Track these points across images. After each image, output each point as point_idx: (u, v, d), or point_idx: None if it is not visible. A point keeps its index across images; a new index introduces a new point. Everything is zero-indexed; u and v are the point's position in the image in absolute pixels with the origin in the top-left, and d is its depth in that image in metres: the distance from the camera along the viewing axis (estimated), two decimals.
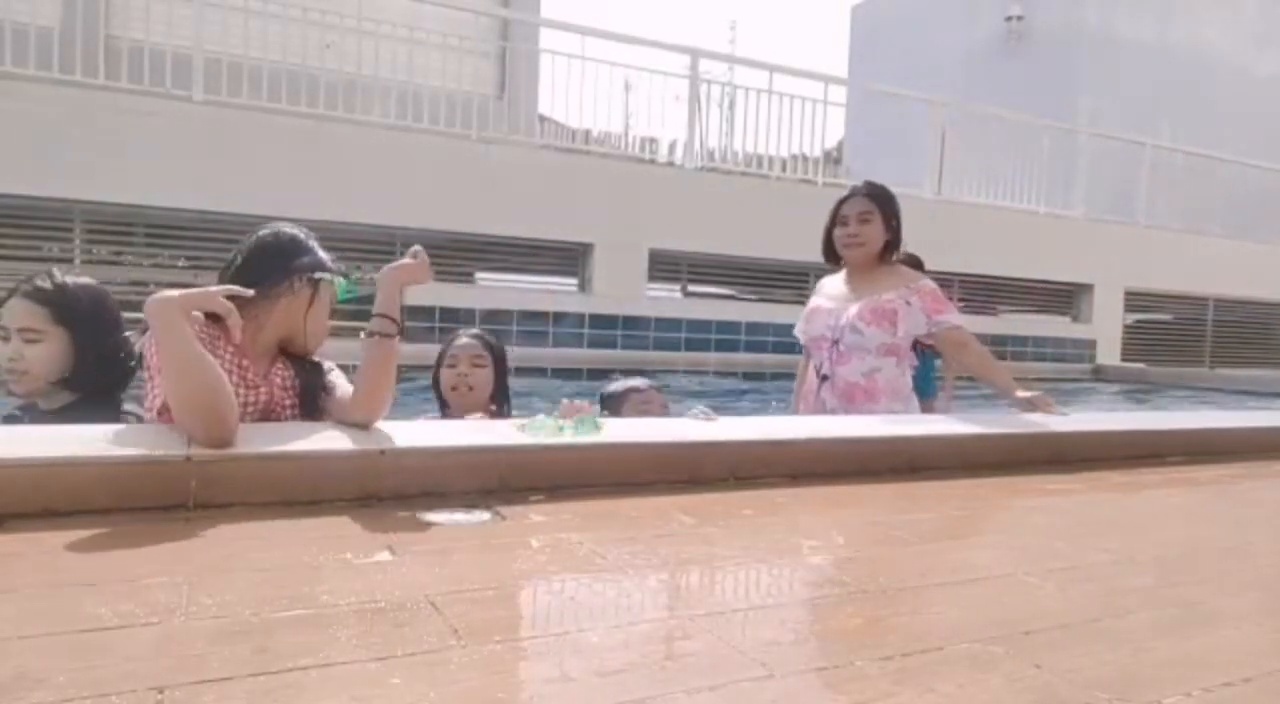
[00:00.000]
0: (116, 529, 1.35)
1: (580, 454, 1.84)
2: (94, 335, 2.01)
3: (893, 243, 2.97)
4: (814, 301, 3.09)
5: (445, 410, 2.80)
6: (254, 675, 0.87)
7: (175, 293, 1.70)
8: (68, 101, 5.85)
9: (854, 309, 2.87)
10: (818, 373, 2.96)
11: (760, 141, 8.46)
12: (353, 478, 1.61)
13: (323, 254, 2.08)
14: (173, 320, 1.64)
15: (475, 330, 2.88)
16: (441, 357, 2.79)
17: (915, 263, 3.67)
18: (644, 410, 2.89)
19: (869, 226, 2.92)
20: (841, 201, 2.98)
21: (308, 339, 2.05)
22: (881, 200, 2.94)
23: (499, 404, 2.79)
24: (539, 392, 6.36)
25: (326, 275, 2.05)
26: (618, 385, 3.05)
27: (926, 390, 3.79)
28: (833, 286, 3.07)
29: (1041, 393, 2.79)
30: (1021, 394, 2.76)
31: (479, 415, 2.68)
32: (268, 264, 1.98)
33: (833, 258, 3.04)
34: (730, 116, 8.69)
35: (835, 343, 2.90)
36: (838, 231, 2.98)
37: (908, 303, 2.86)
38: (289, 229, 2.09)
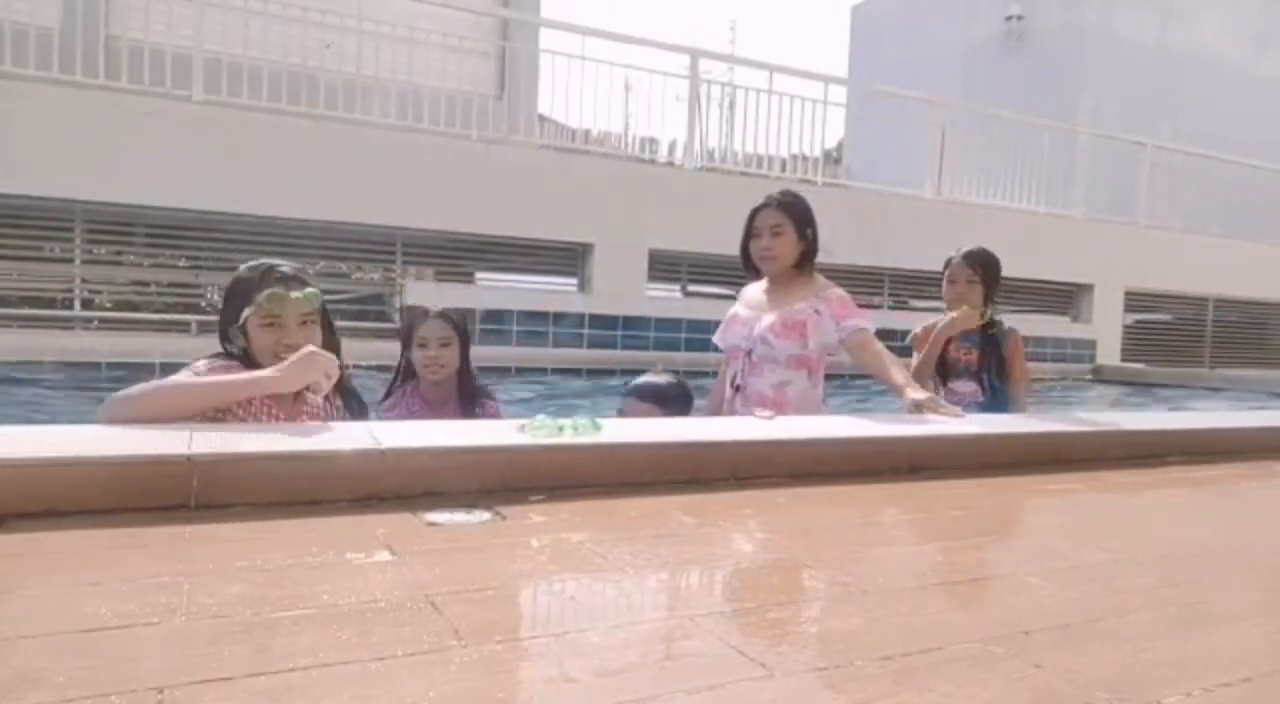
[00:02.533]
0: (117, 529, 1.35)
1: (580, 454, 1.83)
2: None
3: (809, 252, 2.94)
4: (733, 309, 3.08)
5: (404, 385, 2.98)
6: (254, 675, 0.87)
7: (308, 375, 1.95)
8: (68, 101, 5.85)
9: (767, 320, 2.88)
10: (731, 383, 2.95)
11: (760, 141, 8.48)
12: (353, 478, 1.61)
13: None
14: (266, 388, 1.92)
15: (438, 309, 2.97)
16: (409, 335, 2.96)
17: (990, 262, 3.36)
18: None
19: (780, 240, 2.90)
20: (754, 212, 2.96)
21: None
22: (794, 211, 2.92)
23: (465, 378, 2.95)
24: (542, 393, 6.36)
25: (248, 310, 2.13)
26: (646, 380, 3.06)
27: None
28: (753, 295, 3.07)
29: (932, 396, 2.73)
30: (913, 395, 2.67)
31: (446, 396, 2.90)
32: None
33: (752, 269, 3.03)
34: (730, 116, 8.70)
35: (749, 353, 2.90)
36: (752, 245, 2.97)
37: (817, 312, 2.85)
38: (244, 272, 2.19)
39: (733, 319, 3.03)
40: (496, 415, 2.94)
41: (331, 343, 2.21)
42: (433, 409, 2.91)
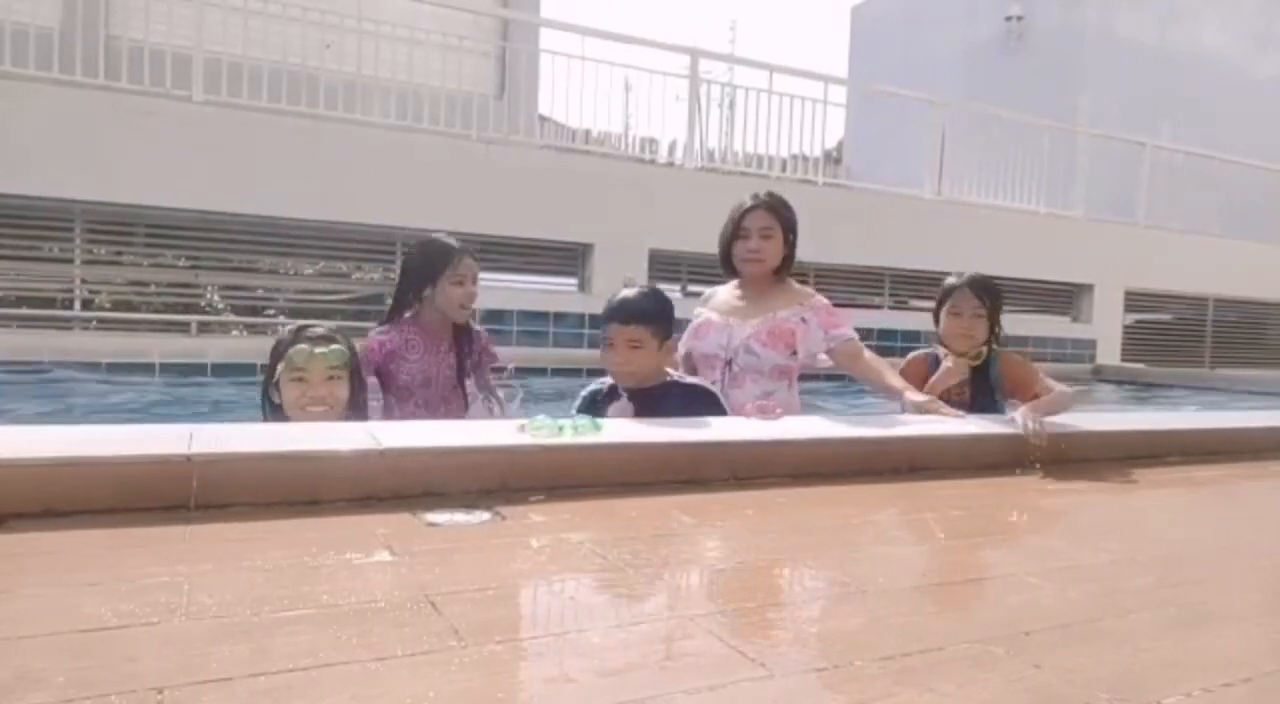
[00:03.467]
0: (117, 529, 1.35)
1: (580, 454, 1.83)
2: None
3: (790, 258, 2.87)
4: (703, 315, 2.94)
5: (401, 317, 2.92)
6: (254, 675, 0.87)
7: None
8: (68, 101, 5.85)
9: (748, 329, 2.78)
10: None
11: (760, 141, 8.47)
12: (353, 478, 1.61)
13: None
14: None
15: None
16: (439, 269, 2.91)
17: (997, 290, 3.00)
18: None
19: (770, 243, 2.82)
20: (744, 213, 2.85)
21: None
22: (783, 215, 2.85)
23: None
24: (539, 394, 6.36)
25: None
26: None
27: None
28: (723, 300, 2.94)
29: (933, 399, 2.67)
30: (912, 397, 2.63)
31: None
32: None
33: (730, 270, 2.92)
34: (730, 116, 8.70)
35: (729, 363, 2.79)
36: (738, 245, 2.85)
37: (804, 320, 2.79)
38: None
39: (706, 324, 2.88)
40: (490, 343, 3.09)
41: (358, 398, 2.35)
42: (431, 341, 2.96)
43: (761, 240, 2.82)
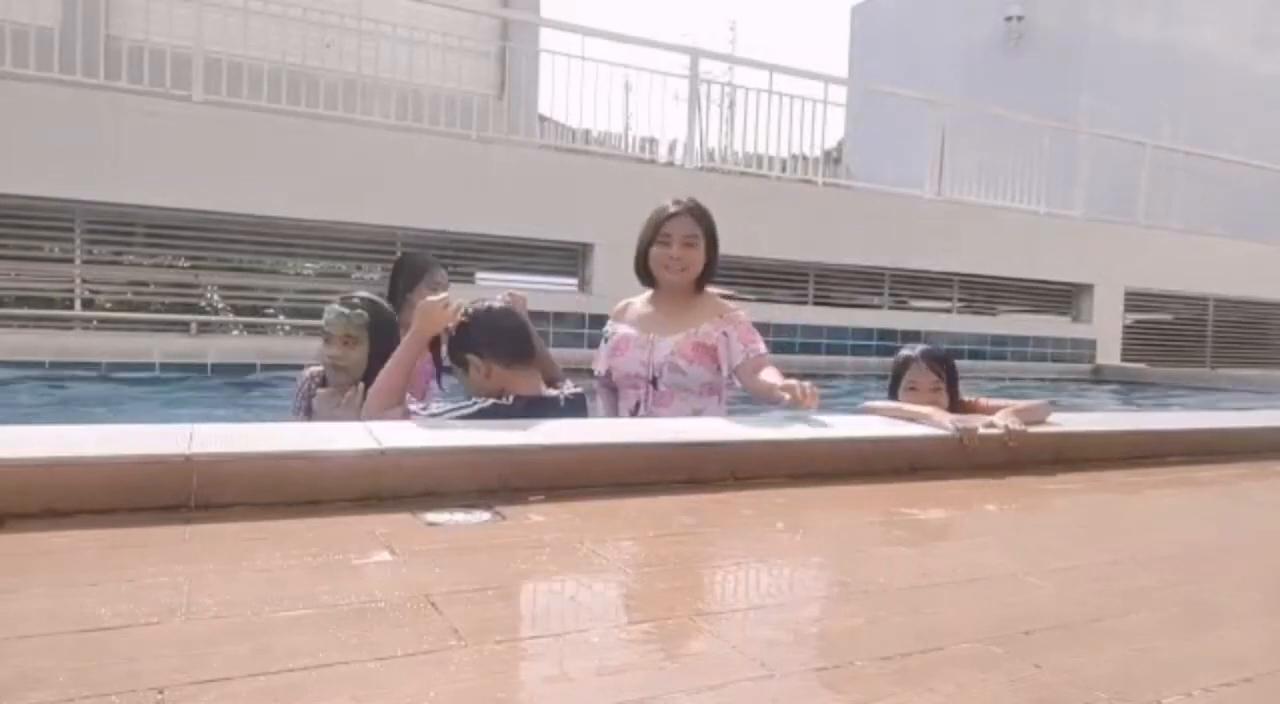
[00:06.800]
0: (117, 529, 1.35)
1: (580, 454, 1.84)
2: None
3: (710, 268, 2.72)
4: (619, 331, 2.73)
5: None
6: (254, 675, 0.87)
7: None
8: (68, 101, 5.85)
9: (670, 344, 2.63)
10: (632, 415, 2.64)
11: (760, 141, 8.46)
12: (353, 478, 1.61)
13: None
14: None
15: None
16: (414, 278, 3.20)
17: (950, 360, 2.81)
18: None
19: (693, 252, 2.66)
20: (666, 218, 2.66)
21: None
22: (707, 224, 2.70)
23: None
24: None
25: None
26: None
27: None
28: (638, 313, 2.77)
29: (799, 383, 2.42)
30: (779, 384, 2.46)
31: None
32: None
33: (646, 277, 2.73)
34: (730, 116, 8.69)
35: (653, 382, 2.62)
36: (657, 250, 2.66)
37: (725, 335, 2.65)
38: None
39: (623, 341, 2.69)
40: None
41: (371, 359, 2.47)
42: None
43: (684, 248, 2.66)
